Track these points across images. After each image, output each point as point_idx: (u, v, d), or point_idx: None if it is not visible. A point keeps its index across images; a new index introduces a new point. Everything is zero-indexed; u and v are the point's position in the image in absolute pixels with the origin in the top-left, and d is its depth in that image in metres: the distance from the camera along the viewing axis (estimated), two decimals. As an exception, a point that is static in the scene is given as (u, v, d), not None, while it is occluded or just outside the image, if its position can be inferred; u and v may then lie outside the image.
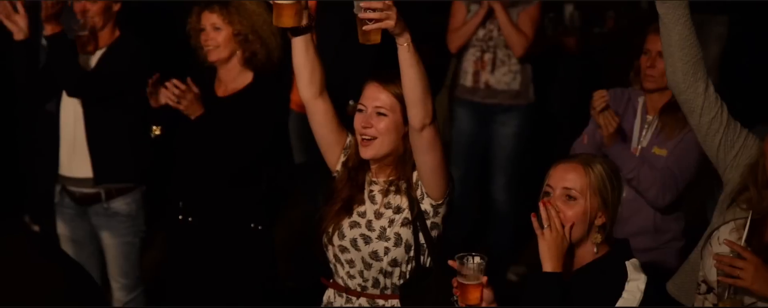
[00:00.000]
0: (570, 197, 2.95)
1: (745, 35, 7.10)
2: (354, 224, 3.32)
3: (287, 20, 3.11)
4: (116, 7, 4.32)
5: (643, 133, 4.07)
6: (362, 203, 3.35)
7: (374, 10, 2.98)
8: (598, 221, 2.96)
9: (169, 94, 3.92)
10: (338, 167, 3.40)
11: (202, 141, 4.02)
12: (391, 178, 3.34)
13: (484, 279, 2.98)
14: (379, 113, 3.25)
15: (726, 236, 3.25)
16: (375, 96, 3.26)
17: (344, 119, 3.41)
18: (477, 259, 2.99)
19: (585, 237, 2.96)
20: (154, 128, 4.09)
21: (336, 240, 3.34)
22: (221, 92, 4.11)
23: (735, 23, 7.02)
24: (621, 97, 4.11)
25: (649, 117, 4.08)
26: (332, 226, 3.34)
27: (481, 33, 5.37)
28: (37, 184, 4.88)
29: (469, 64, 5.44)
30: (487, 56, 5.39)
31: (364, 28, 3.02)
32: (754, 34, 7.07)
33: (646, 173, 3.94)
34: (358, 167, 3.36)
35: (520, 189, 5.59)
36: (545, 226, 2.90)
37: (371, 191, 3.36)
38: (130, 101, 4.26)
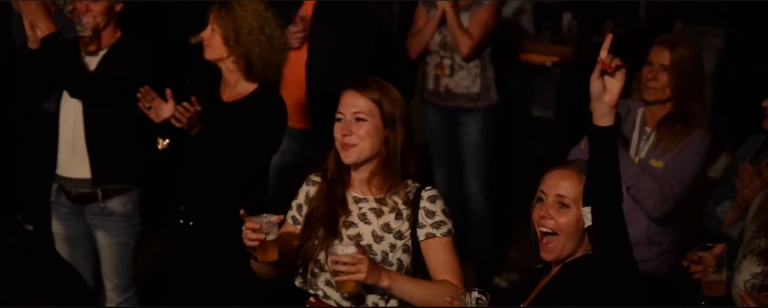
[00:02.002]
0: (563, 205, 2.95)
1: (741, 47, 7.13)
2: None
3: (272, 255, 3.22)
4: (118, 7, 4.32)
5: (641, 144, 4.09)
6: (354, 225, 3.32)
7: (344, 263, 3.09)
8: None
9: (179, 116, 3.91)
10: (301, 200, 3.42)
11: (208, 147, 4.01)
12: (381, 195, 3.32)
13: None
14: (359, 119, 3.26)
15: (748, 267, 3.22)
16: (352, 103, 3.28)
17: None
18: (475, 294, 2.99)
19: (578, 245, 2.97)
20: (161, 140, 4.09)
21: (330, 265, 3.25)
22: (226, 96, 4.10)
23: (730, 35, 7.06)
24: (621, 107, 4.12)
25: (648, 129, 4.10)
26: (323, 252, 3.29)
27: (437, 38, 5.44)
28: (34, 183, 4.89)
29: (430, 68, 5.53)
30: (446, 61, 5.46)
31: (335, 278, 3.13)
32: (749, 46, 7.10)
33: (646, 182, 3.95)
34: (336, 181, 3.35)
35: (500, 193, 5.64)
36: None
37: (361, 209, 3.33)
38: (130, 101, 4.26)
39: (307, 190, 3.43)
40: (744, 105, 6.33)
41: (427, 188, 3.33)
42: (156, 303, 4.42)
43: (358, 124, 3.26)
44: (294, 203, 3.45)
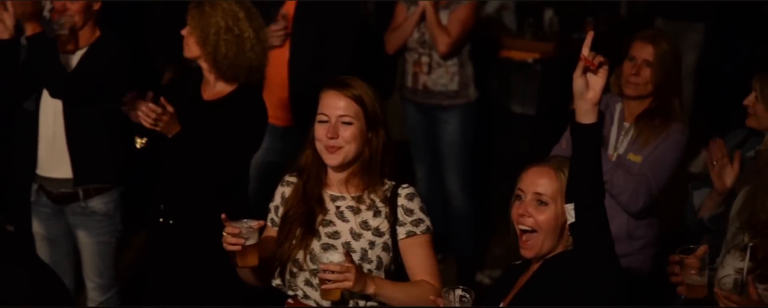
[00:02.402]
0: (541, 202, 2.95)
1: (721, 43, 7.16)
2: (328, 246, 3.28)
3: (252, 260, 3.22)
4: (96, 6, 4.31)
5: (620, 139, 4.10)
6: (331, 223, 3.31)
7: (332, 271, 3.09)
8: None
9: (144, 116, 3.89)
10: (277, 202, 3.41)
11: (186, 146, 3.99)
12: (359, 193, 3.31)
13: None
14: (345, 122, 3.25)
15: (731, 262, 3.23)
16: (336, 104, 3.26)
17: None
18: (459, 292, 2.99)
19: (558, 242, 2.97)
20: (139, 140, 4.06)
21: (309, 264, 3.27)
22: (206, 95, 4.08)
23: (711, 30, 7.09)
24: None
25: (626, 124, 4.11)
26: (301, 252, 3.29)
27: (416, 35, 5.45)
28: (14, 183, 4.87)
29: (409, 65, 5.53)
30: (424, 59, 5.47)
31: (322, 287, 3.13)
32: (729, 41, 7.13)
33: (620, 177, 3.97)
34: (313, 180, 3.33)
35: (482, 190, 5.65)
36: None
37: (338, 207, 3.32)
38: (110, 100, 4.25)
39: (283, 191, 3.41)
40: (725, 101, 6.35)
41: (403, 185, 3.33)
42: (137, 302, 4.40)
43: (344, 127, 3.25)
44: (271, 206, 3.44)
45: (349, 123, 3.25)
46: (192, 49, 4.01)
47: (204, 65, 4.02)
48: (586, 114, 2.77)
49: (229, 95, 4.02)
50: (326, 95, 3.29)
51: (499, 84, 6.73)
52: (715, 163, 3.73)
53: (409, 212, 3.29)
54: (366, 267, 3.25)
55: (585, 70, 2.75)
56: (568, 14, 7.11)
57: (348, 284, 3.08)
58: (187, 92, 4.10)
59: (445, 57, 5.42)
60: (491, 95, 6.30)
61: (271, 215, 3.43)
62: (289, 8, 5.01)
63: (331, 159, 3.27)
